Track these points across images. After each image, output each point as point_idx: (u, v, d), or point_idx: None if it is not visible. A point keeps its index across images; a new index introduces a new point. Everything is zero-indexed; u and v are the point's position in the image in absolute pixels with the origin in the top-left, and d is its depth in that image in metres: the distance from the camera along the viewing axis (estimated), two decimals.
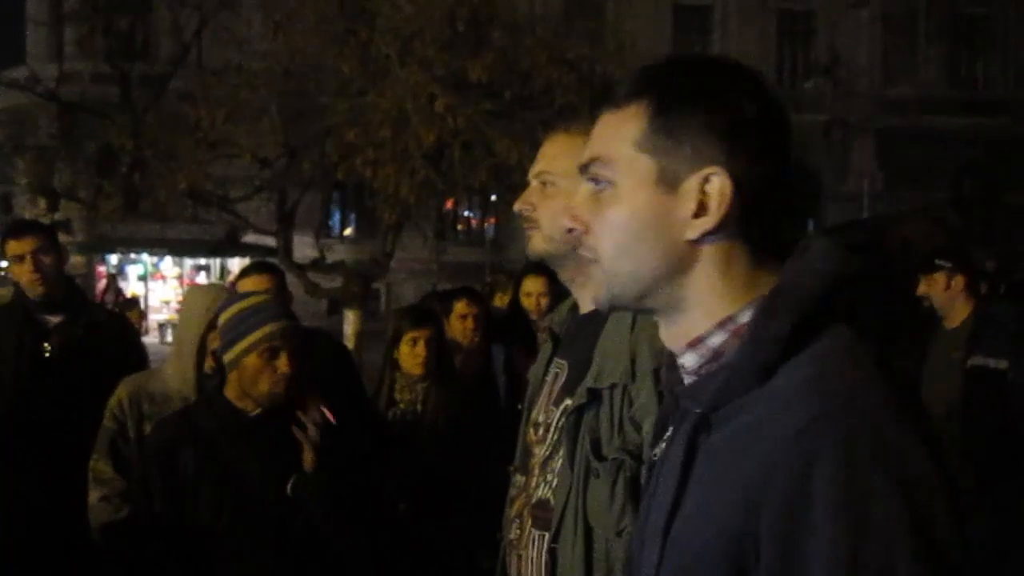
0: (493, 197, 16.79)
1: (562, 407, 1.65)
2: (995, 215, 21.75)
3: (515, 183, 10.49)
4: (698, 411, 0.95)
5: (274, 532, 2.28)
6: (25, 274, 3.30)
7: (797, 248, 0.97)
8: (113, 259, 19.75)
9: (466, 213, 22.91)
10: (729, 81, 0.98)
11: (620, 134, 1.00)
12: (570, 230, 1.05)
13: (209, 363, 2.82)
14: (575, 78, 10.65)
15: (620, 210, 0.99)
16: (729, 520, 0.86)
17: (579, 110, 9.87)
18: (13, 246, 3.33)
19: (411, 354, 3.24)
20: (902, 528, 0.80)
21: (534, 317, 4.46)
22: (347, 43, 10.54)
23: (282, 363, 2.26)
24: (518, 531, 1.69)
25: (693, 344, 0.99)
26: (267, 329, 2.28)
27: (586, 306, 1.74)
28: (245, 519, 2.27)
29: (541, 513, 1.63)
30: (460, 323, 3.95)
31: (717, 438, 0.93)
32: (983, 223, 20.87)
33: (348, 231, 21.86)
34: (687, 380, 1.01)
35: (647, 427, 1.49)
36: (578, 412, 1.57)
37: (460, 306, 3.96)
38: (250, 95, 10.98)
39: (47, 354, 3.30)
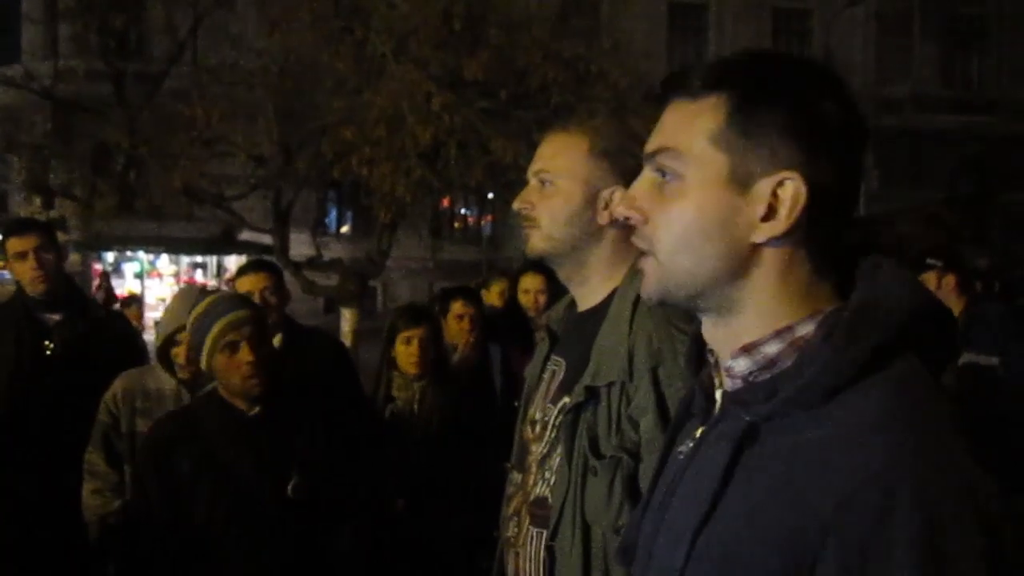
0: (489, 195, 16.79)
1: (559, 405, 1.65)
2: (989, 214, 21.79)
3: (511, 181, 10.50)
4: (748, 419, 0.93)
5: (272, 532, 2.29)
6: (27, 272, 3.31)
7: (864, 267, 0.95)
8: (109, 257, 19.71)
9: (462, 211, 22.89)
10: (814, 82, 0.95)
11: (694, 126, 0.96)
12: (627, 219, 1.02)
13: (183, 373, 2.86)
14: (571, 77, 10.65)
15: (686, 206, 0.96)
16: (787, 535, 0.84)
17: (575, 109, 9.88)
18: (15, 243, 3.33)
19: (406, 353, 3.26)
20: (982, 570, 0.78)
21: (532, 314, 4.48)
22: (343, 41, 10.53)
23: (244, 354, 2.28)
24: (516, 529, 1.69)
25: (747, 349, 0.96)
26: (217, 326, 2.30)
27: (583, 304, 1.74)
28: (242, 518, 2.28)
29: (539, 511, 1.63)
30: (456, 323, 3.96)
31: (771, 450, 0.90)
32: (977, 221, 20.92)
33: (344, 229, 21.83)
34: (731, 384, 0.99)
35: (645, 425, 1.49)
36: (576, 410, 1.57)
37: (457, 306, 3.98)
38: (245, 93, 10.97)
39: (48, 352, 3.31)
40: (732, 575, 0.88)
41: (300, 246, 13.00)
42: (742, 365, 0.97)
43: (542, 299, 4.43)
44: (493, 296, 5.00)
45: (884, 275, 0.93)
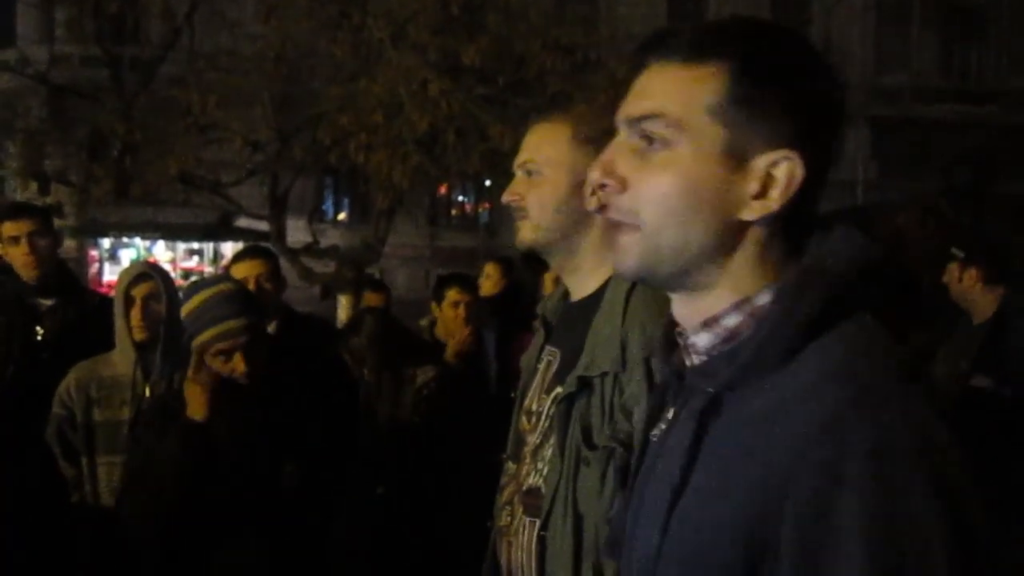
0: (487, 183, 16.77)
1: (553, 395, 1.65)
2: (987, 204, 21.78)
3: (509, 169, 10.45)
4: (710, 390, 0.92)
5: (264, 521, 2.27)
6: (20, 256, 3.29)
7: (815, 232, 0.94)
8: (105, 243, 19.66)
9: (459, 198, 22.85)
10: (811, 60, 0.93)
11: (691, 94, 0.92)
12: (602, 185, 0.96)
13: (139, 334, 2.82)
14: (569, 64, 10.62)
15: (676, 176, 0.91)
16: (750, 500, 0.83)
17: (572, 96, 9.85)
18: (9, 227, 3.31)
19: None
20: (939, 532, 0.76)
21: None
22: (340, 27, 10.48)
23: (237, 363, 2.25)
24: (508, 518, 1.70)
25: (708, 324, 0.95)
26: (210, 333, 2.26)
27: (577, 294, 1.73)
28: (234, 507, 2.27)
29: (532, 500, 1.63)
30: (452, 310, 3.96)
31: (733, 417, 0.89)
32: (975, 212, 20.91)
33: (341, 216, 21.79)
34: (696, 360, 0.97)
35: (638, 415, 1.48)
36: (569, 400, 1.57)
37: (452, 293, 3.97)
38: (242, 79, 10.91)
39: (39, 337, 3.29)
40: (703, 547, 0.87)
41: (297, 233, 12.97)
42: (704, 339, 0.95)
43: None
44: (491, 281, 5.01)
45: (835, 237, 0.92)
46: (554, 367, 1.70)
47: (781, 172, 0.90)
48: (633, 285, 1.57)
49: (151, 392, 2.75)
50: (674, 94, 0.93)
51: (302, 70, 11.18)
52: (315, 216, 13.70)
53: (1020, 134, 20.49)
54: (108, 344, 2.91)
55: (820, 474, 0.79)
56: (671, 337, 1.04)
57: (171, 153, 10.94)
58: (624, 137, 0.97)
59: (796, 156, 0.90)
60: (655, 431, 1.05)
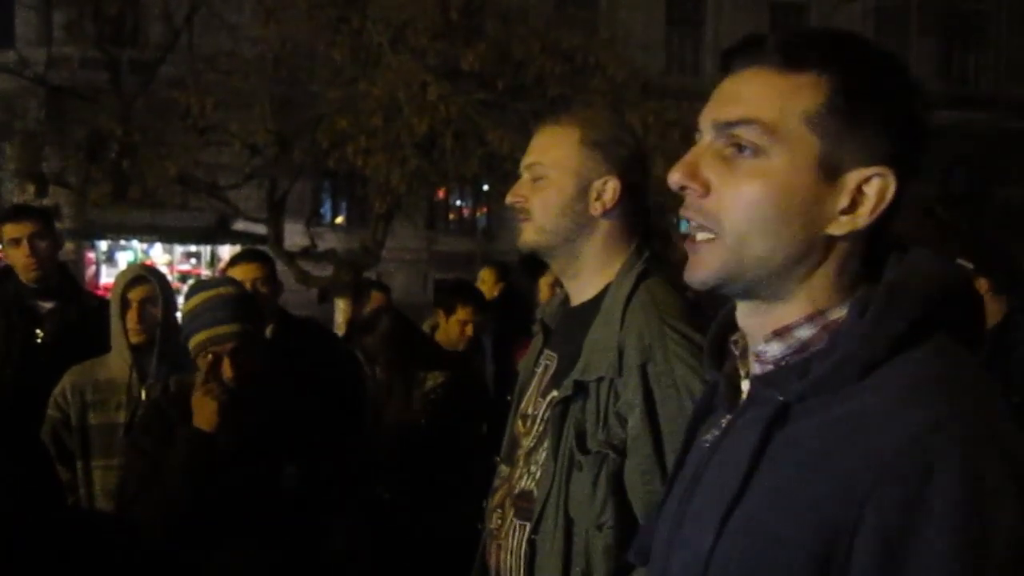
0: (485, 187, 16.77)
1: (549, 398, 1.65)
2: (984, 209, 21.81)
3: (507, 173, 10.48)
4: (780, 399, 0.90)
5: (264, 525, 2.27)
6: (20, 258, 3.29)
7: (894, 251, 0.93)
8: (103, 246, 19.64)
9: (457, 203, 22.84)
10: (908, 78, 0.91)
11: (789, 102, 0.90)
12: (682, 188, 0.94)
13: (135, 337, 2.82)
14: (568, 69, 10.63)
15: (766, 185, 0.89)
16: (821, 511, 0.81)
17: (572, 101, 9.86)
18: (10, 229, 3.31)
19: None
20: None
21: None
22: (339, 31, 10.50)
23: (225, 368, 2.26)
24: (499, 521, 1.69)
25: (780, 333, 0.93)
26: (201, 336, 2.27)
27: (576, 298, 1.73)
28: (233, 511, 2.27)
29: (523, 504, 1.63)
30: (459, 327, 3.92)
31: (804, 428, 0.87)
32: (972, 217, 20.94)
33: (339, 220, 21.77)
34: (761, 369, 0.95)
35: (632, 421, 1.49)
36: (564, 404, 1.57)
37: (464, 313, 3.91)
38: (241, 82, 10.92)
39: (38, 340, 3.29)
40: (765, 552, 0.85)
41: (294, 236, 12.98)
42: (775, 349, 0.94)
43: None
44: (486, 287, 5.01)
45: (914, 256, 0.91)
46: (551, 371, 1.70)
47: (872, 189, 0.89)
48: (632, 291, 1.57)
49: (147, 395, 2.75)
50: (770, 100, 0.90)
51: (301, 73, 11.18)
52: (313, 220, 13.72)
53: (1017, 139, 20.55)
54: (108, 347, 2.90)
55: (907, 482, 0.78)
56: (721, 344, 1.03)
57: (169, 155, 10.95)
58: (709, 141, 0.94)
59: (890, 173, 0.89)
60: (707, 436, 1.03)
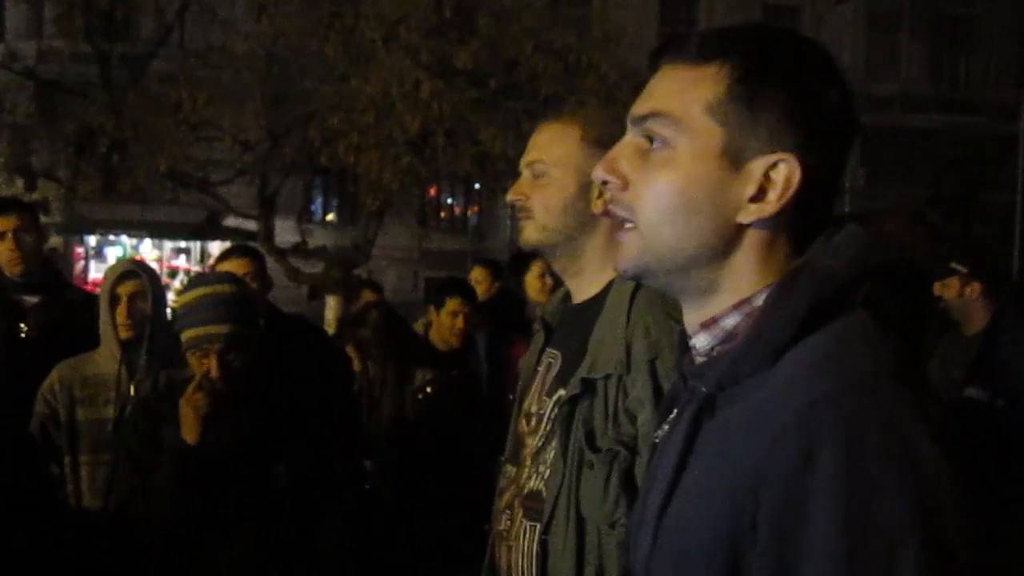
0: (476, 185, 16.76)
1: (555, 397, 1.63)
2: (974, 212, 21.93)
3: (499, 171, 10.48)
4: (704, 391, 0.92)
5: (254, 523, 2.26)
6: (5, 252, 3.26)
7: (824, 232, 0.93)
8: (92, 240, 19.54)
9: (449, 201, 22.84)
10: (819, 66, 0.92)
11: (692, 94, 0.92)
12: (604, 182, 0.97)
13: (124, 332, 2.80)
14: (561, 68, 10.62)
15: (674, 175, 0.91)
16: (729, 499, 0.83)
17: (564, 100, 9.84)
18: None
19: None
20: (906, 518, 0.76)
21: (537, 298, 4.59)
22: (332, 27, 10.46)
23: (212, 366, 2.24)
24: (508, 522, 1.67)
25: (707, 325, 0.95)
26: (191, 333, 2.26)
27: (579, 296, 1.72)
28: (223, 509, 2.25)
29: (532, 504, 1.61)
30: (450, 319, 3.92)
31: (722, 418, 0.89)
32: (962, 220, 21.05)
33: (330, 217, 21.73)
34: (698, 362, 0.97)
35: (642, 418, 1.47)
36: (572, 402, 1.56)
37: (453, 304, 3.93)
38: (233, 77, 10.88)
39: (23, 335, 3.26)
40: (686, 549, 0.86)
41: (285, 233, 12.94)
42: (702, 341, 0.95)
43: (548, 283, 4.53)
44: (481, 287, 4.99)
45: (839, 237, 0.91)
46: (555, 369, 1.68)
47: (779, 175, 0.89)
48: (636, 288, 1.56)
49: (135, 391, 2.73)
50: (675, 93, 0.93)
51: (293, 69, 11.15)
52: (304, 216, 13.69)
53: (1007, 143, 20.65)
54: (93, 342, 2.88)
55: (790, 460, 0.79)
56: (685, 341, 1.03)
57: (160, 150, 10.90)
58: (630, 136, 0.97)
59: (793, 159, 0.89)
60: (659, 432, 1.06)
